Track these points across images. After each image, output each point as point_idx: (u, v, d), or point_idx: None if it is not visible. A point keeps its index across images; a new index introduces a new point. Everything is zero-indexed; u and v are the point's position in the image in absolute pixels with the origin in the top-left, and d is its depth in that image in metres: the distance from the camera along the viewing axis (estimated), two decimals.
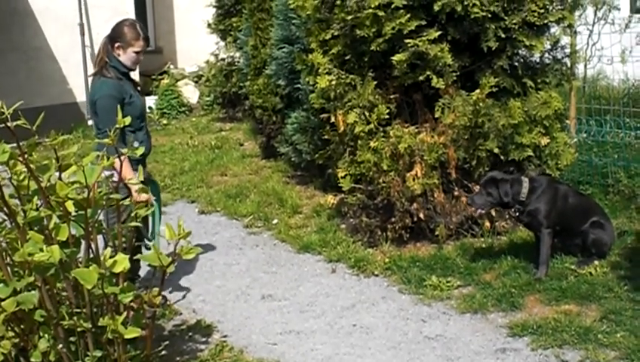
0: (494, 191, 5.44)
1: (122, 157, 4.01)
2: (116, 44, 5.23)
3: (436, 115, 6.02)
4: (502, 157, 6.09)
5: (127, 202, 4.25)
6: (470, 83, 6.12)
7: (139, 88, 5.51)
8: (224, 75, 12.40)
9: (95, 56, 5.61)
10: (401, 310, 5.28)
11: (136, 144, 4.98)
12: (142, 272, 5.61)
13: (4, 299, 3.45)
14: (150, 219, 5.41)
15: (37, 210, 3.65)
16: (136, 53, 5.26)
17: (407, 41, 5.76)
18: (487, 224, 6.25)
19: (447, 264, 5.90)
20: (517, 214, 5.57)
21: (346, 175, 6.31)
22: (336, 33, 6.21)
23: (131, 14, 12.72)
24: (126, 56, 5.24)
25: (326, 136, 6.61)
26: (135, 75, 10.60)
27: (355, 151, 6.22)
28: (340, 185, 6.38)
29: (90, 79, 6.28)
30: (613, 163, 7.19)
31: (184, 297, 5.73)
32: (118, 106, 4.50)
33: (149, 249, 5.29)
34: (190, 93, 14.41)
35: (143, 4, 15.29)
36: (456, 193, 6.17)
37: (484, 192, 5.48)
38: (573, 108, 7.62)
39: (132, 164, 4.96)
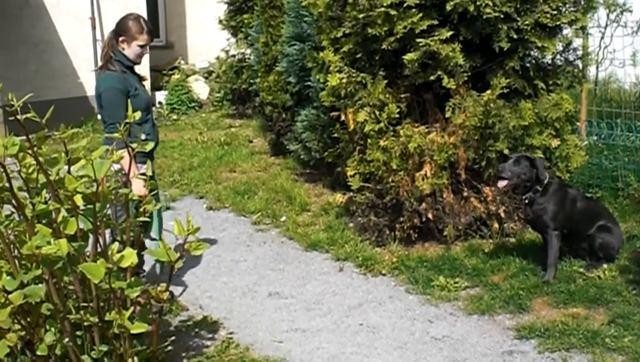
0: (527, 163, 5.44)
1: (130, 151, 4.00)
2: (121, 38, 5.23)
3: (447, 115, 6.01)
4: None
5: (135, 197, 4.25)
6: (481, 83, 6.10)
7: (144, 82, 5.50)
8: (234, 71, 12.40)
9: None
10: (408, 310, 5.26)
11: (143, 136, 4.97)
12: (147, 267, 5.62)
13: (11, 292, 3.46)
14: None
15: (45, 203, 3.66)
16: (141, 46, 5.26)
17: (418, 40, 5.74)
18: (496, 225, 6.23)
19: (455, 265, 5.89)
20: (526, 202, 5.54)
21: (355, 173, 6.30)
22: (347, 31, 6.20)
23: (142, 9, 12.74)
24: (130, 50, 5.24)
25: (336, 135, 6.61)
26: (145, 70, 10.64)
27: (364, 149, 6.21)
28: (348, 183, 6.38)
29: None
30: (623, 166, 7.15)
31: (184, 291, 5.73)
32: (125, 99, 4.49)
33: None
34: (200, 89, 14.42)
35: None
36: (465, 194, 6.15)
37: (517, 163, 5.47)
38: (584, 111, 7.59)
39: (139, 157, 4.94)
